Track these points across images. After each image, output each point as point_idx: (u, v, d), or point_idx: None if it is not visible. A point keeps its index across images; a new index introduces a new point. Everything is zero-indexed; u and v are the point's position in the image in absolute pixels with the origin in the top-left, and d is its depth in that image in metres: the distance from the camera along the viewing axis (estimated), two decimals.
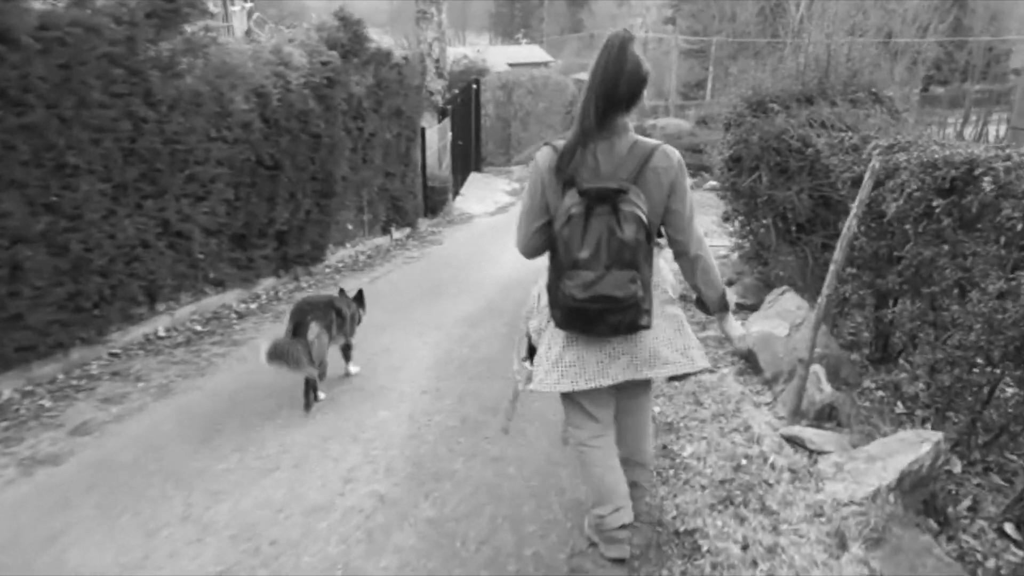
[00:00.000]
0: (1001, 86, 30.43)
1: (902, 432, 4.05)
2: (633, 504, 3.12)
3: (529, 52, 38.21)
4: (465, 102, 16.76)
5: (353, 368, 5.49)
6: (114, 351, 5.84)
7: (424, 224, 12.58)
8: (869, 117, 6.59)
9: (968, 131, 21.29)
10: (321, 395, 4.98)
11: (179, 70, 5.96)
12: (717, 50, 39.18)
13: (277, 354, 4.57)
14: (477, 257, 10.20)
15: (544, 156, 2.76)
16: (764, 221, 7.20)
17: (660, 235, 2.97)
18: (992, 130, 19.40)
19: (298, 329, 4.76)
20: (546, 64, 27.40)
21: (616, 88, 2.59)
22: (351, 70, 9.09)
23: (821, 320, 4.65)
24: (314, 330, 4.79)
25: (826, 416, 4.63)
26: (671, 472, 4.18)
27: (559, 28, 52.15)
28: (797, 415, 4.67)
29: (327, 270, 9.07)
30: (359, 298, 5.57)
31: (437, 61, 20.10)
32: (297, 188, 7.98)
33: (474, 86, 17.36)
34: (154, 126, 5.77)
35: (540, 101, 18.79)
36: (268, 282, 7.95)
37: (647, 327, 2.77)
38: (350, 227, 9.96)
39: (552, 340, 2.91)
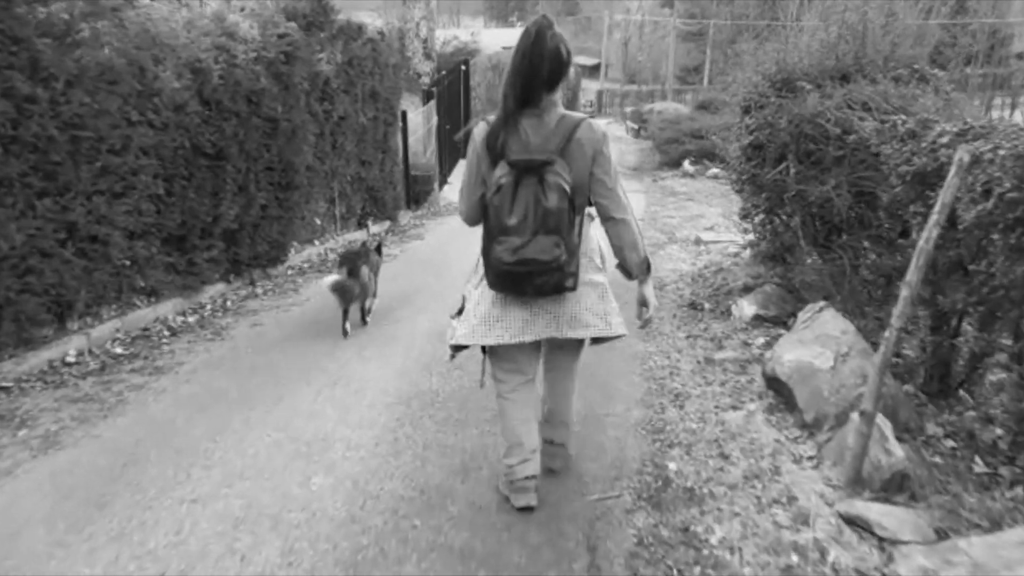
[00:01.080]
0: (1004, 70, 29.22)
1: (1021, 530, 2.91)
2: (552, 460, 3.54)
3: None
4: (453, 85, 15.55)
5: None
6: (3, 384, 4.69)
7: (406, 217, 11.41)
8: (919, 98, 5.43)
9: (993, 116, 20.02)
10: (368, 319, 6.27)
11: (79, 38, 4.77)
12: (715, 33, 37.92)
13: (339, 287, 5.75)
14: (459, 255, 9.03)
15: (479, 131, 2.90)
16: (791, 220, 6.04)
17: (591, 205, 3.04)
18: (1019, 114, 18.19)
19: (352, 272, 5.83)
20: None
21: (538, 70, 2.74)
22: (315, 45, 7.89)
23: (888, 361, 3.51)
24: (364, 272, 5.98)
25: (896, 486, 3.49)
26: (696, 570, 3.05)
27: (554, 11, 50.79)
28: (857, 484, 3.53)
29: (290, 272, 7.91)
30: (378, 248, 6.82)
31: (425, 42, 18.89)
32: (249, 180, 6.81)
33: (463, 67, 16.14)
34: (45, 107, 4.57)
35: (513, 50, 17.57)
36: (215, 289, 6.79)
37: (572, 289, 2.94)
38: (319, 222, 8.80)
39: (481, 297, 3.14)
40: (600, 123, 2.99)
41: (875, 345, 4.87)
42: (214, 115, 6.17)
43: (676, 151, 16.96)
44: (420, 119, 12.85)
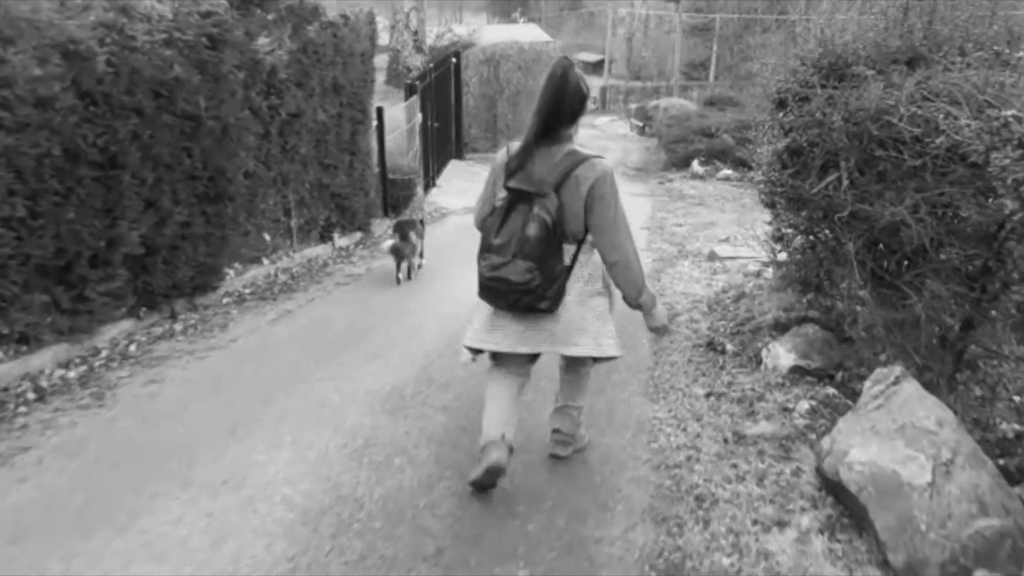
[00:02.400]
0: None
1: None
2: (560, 448, 3.73)
3: (527, 32, 35.45)
4: (442, 79, 14.09)
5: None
6: None
7: (383, 226, 9.96)
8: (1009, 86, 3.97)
9: None
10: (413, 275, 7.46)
11: None
12: (722, 28, 36.41)
13: (395, 249, 7.13)
14: (435, 275, 7.61)
15: (501, 154, 3.23)
16: (841, 246, 4.59)
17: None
18: None
19: (405, 236, 7.12)
20: (546, 44, 24.67)
21: (560, 107, 3.00)
22: (255, 27, 6.46)
23: None
24: (414, 237, 7.22)
25: None
26: None
27: (558, 7, 49.28)
28: None
29: (226, 300, 6.48)
30: (421, 221, 7.83)
31: (415, 34, 17.45)
32: (161, 192, 5.38)
33: (453, 60, 14.66)
34: None
35: (531, 78, 16.07)
36: (119, 328, 5.36)
37: (547, 311, 3.09)
38: (268, 237, 7.37)
39: (484, 306, 3.31)
40: (604, 162, 3.11)
41: (986, 445, 3.44)
42: (101, 112, 4.74)
43: (684, 150, 15.47)
44: (402, 116, 11.42)
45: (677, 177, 14.96)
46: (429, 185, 12.79)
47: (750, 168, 13.88)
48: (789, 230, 5.29)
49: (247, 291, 6.76)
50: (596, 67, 42.45)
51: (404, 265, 7.29)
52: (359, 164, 8.82)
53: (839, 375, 4.77)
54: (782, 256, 5.78)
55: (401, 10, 17.01)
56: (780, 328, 5.49)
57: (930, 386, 3.63)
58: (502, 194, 3.06)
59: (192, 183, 5.73)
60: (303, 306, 6.47)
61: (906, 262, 4.22)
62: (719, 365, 5.25)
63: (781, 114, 4.98)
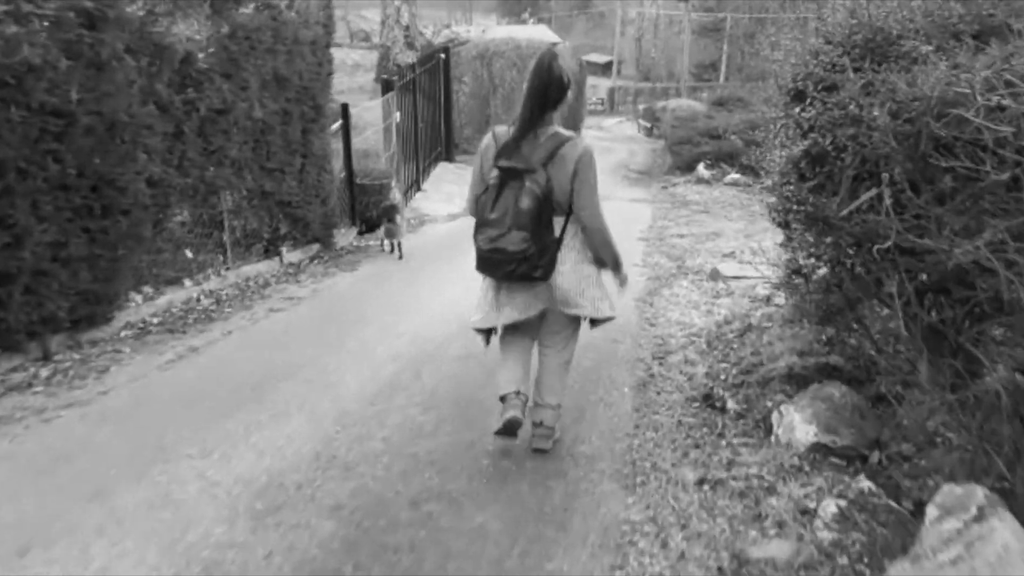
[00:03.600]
0: None
1: None
2: (541, 441, 3.66)
3: (536, 32, 34.15)
4: (430, 75, 12.86)
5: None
6: None
7: (348, 236, 8.74)
8: None
9: None
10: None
11: None
12: (732, 27, 35.04)
13: (389, 232, 8.05)
14: (393, 299, 6.38)
15: (487, 138, 3.36)
16: (882, 288, 3.31)
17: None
18: None
19: (392, 219, 8.00)
20: (554, 45, 23.32)
21: (546, 94, 3.18)
22: (161, 5, 5.25)
23: None
24: (398, 220, 8.01)
25: None
26: None
27: (568, 7, 47.98)
28: None
29: (125, 333, 5.28)
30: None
31: (406, 29, 16.20)
32: (10, 206, 4.19)
33: (441, 56, 13.41)
34: None
35: (527, 76, 14.81)
36: None
37: (541, 279, 3.28)
38: (190, 254, 6.15)
39: (489, 286, 3.52)
40: (585, 142, 3.29)
41: None
42: None
43: (690, 153, 14.16)
44: (378, 114, 10.21)
45: (681, 181, 13.65)
46: (412, 189, 11.57)
47: (759, 173, 12.56)
48: (809, 260, 4.01)
49: (155, 321, 5.55)
50: (605, 68, 41.34)
51: (395, 243, 8.00)
52: (313, 168, 7.59)
53: (875, 456, 3.52)
54: (799, 285, 4.52)
55: (391, 4, 15.78)
56: (795, 381, 4.23)
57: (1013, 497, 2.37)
58: (494, 173, 3.22)
59: (64, 194, 4.53)
60: (216, 341, 5.25)
61: (975, 311, 2.95)
62: (717, 430, 3.99)
63: (798, 109, 3.73)
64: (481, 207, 3.24)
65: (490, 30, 32.23)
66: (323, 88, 7.57)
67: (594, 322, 3.65)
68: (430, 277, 7.15)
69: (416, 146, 11.81)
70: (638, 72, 40.95)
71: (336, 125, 8.59)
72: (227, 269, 6.64)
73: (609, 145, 18.76)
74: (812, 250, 3.81)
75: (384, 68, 15.60)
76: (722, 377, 4.67)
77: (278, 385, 4.43)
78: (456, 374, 4.69)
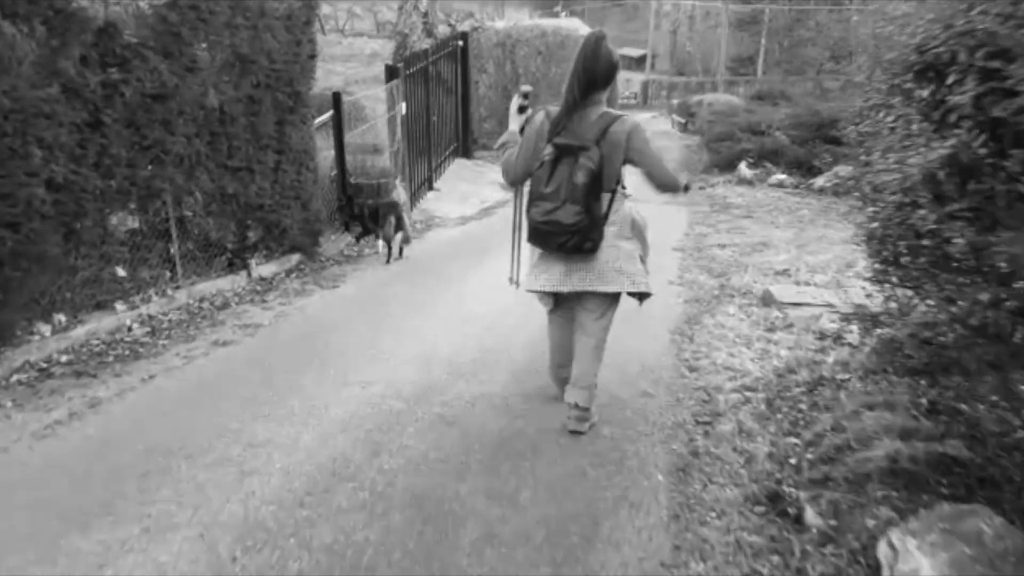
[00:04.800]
0: None
1: None
2: (578, 424, 3.70)
3: (569, 25, 32.72)
4: (446, 64, 11.57)
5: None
6: None
7: (337, 244, 7.49)
8: None
9: None
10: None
11: None
12: (771, 20, 33.35)
13: (385, 236, 7.00)
14: (371, 329, 5.12)
15: (540, 117, 3.36)
16: None
17: (623, 187, 3.48)
18: None
19: (391, 218, 7.00)
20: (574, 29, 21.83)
21: (595, 73, 3.22)
22: None
23: None
24: (392, 221, 6.99)
25: None
26: None
27: (601, 0, 46.47)
28: None
29: (16, 379, 4.07)
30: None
31: (425, 15, 14.89)
32: None
33: (459, 43, 12.10)
34: None
35: (554, 65, 13.45)
36: None
37: (591, 251, 3.37)
38: (122, 272, 4.93)
39: (532, 252, 3.63)
40: (632, 117, 3.37)
41: None
42: None
43: (729, 150, 12.71)
44: (382, 105, 8.96)
45: (721, 181, 12.21)
46: (423, 188, 10.30)
47: (810, 172, 11.05)
48: (939, 315, 2.67)
49: (64, 359, 4.34)
50: (639, 62, 39.98)
51: (392, 246, 7.07)
52: (290, 165, 6.34)
53: None
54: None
55: None
56: (902, 480, 2.91)
57: None
58: (548, 149, 3.26)
59: None
60: (128, 391, 4.02)
61: None
62: (794, 560, 2.67)
63: (927, 91, 2.40)
64: (536, 181, 3.30)
65: (520, 23, 30.81)
66: (303, 72, 6.31)
67: (640, 299, 3.67)
68: (423, 297, 5.88)
69: (428, 141, 10.53)
70: (672, 66, 39.47)
71: (325, 116, 7.34)
72: (176, 288, 5.42)
73: None
74: (952, 309, 2.46)
75: (401, 57, 14.32)
76: (793, 462, 3.35)
77: (177, 471, 3.18)
78: (426, 457, 3.39)
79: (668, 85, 35.70)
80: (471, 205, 10.32)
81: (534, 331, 5.08)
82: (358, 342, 4.85)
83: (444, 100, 11.52)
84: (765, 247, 8.14)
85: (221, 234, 5.81)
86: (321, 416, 3.73)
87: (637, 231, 3.65)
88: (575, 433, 3.69)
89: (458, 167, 12.11)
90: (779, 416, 3.86)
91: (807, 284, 6.36)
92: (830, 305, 5.59)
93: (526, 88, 3.65)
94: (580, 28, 16.11)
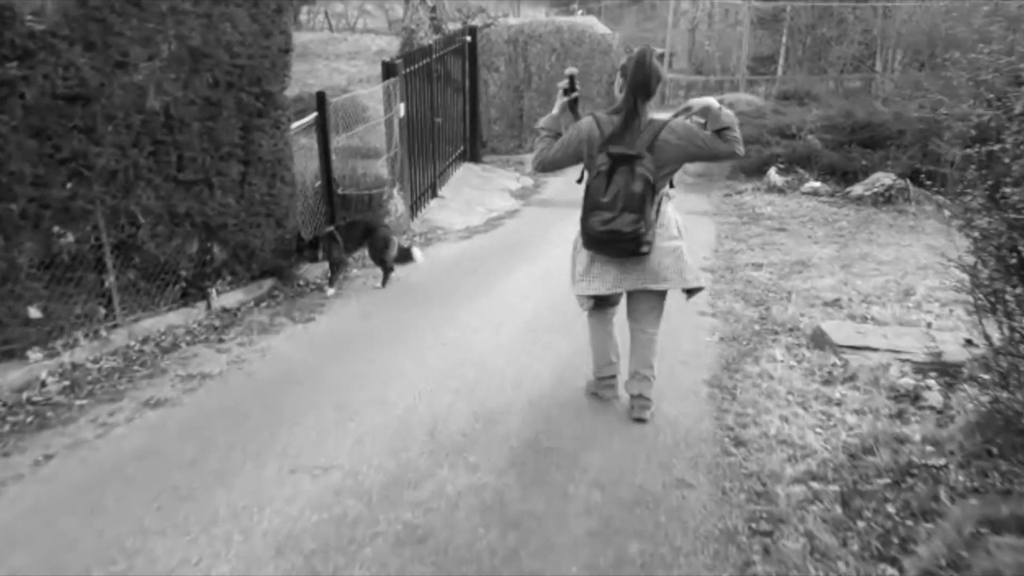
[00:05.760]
0: None
1: None
2: (640, 412, 3.78)
3: (585, 22, 31.61)
4: (452, 61, 10.58)
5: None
6: None
7: (323, 265, 6.51)
8: None
9: None
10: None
11: None
12: (793, 18, 32.15)
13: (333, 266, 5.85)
14: (346, 380, 4.13)
15: (588, 123, 3.46)
16: None
17: (672, 186, 3.64)
18: None
19: (325, 247, 5.75)
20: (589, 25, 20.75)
21: (648, 86, 3.36)
22: None
23: None
24: (394, 243, 5.98)
25: None
26: None
27: None
28: None
29: None
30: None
31: (433, 11, 13.94)
32: None
33: (467, 39, 11.10)
34: None
35: (570, 63, 12.43)
36: None
37: (646, 254, 3.47)
38: (35, 312, 3.97)
39: (584, 259, 3.65)
40: (677, 120, 3.44)
41: None
42: None
43: (758, 155, 11.62)
44: (379, 106, 7.98)
45: (748, 188, 11.13)
46: (424, 197, 9.32)
47: (845, 179, 9.94)
48: None
49: None
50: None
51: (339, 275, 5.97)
52: (260, 178, 5.37)
53: None
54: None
55: None
56: None
57: None
58: (602, 159, 3.34)
59: None
60: (5, 486, 3.06)
61: None
62: None
63: None
64: (594, 190, 3.38)
65: (534, 19, 29.73)
66: (274, 69, 5.33)
67: (689, 292, 3.74)
68: (408, 335, 4.90)
69: (433, 145, 9.55)
70: (690, 65, 38.38)
71: (307, 119, 6.37)
72: (113, 327, 4.47)
73: None
74: None
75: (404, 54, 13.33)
76: None
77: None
78: None
79: (686, 84, 34.59)
80: (477, 215, 9.33)
81: (541, 387, 4.09)
82: (321, 401, 3.87)
83: (450, 100, 10.52)
84: (805, 267, 7.10)
85: (174, 259, 4.85)
86: (251, 528, 2.75)
87: (680, 230, 3.72)
88: (639, 421, 3.77)
89: (465, 172, 11.12)
90: (861, 525, 2.85)
91: (864, 319, 5.32)
92: (899, 351, 4.57)
93: (571, 70, 3.69)
94: (596, 26, 15.10)
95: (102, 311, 4.42)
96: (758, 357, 4.73)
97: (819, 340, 4.91)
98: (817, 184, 10.60)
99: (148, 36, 4.17)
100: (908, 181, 10.13)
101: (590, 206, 3.41)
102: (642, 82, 3.34)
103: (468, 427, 3.62)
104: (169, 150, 4.54)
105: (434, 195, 9.78)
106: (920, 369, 4.31)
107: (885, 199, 9.98)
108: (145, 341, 4.56)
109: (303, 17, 30.04)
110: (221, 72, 4.79)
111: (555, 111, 3.62)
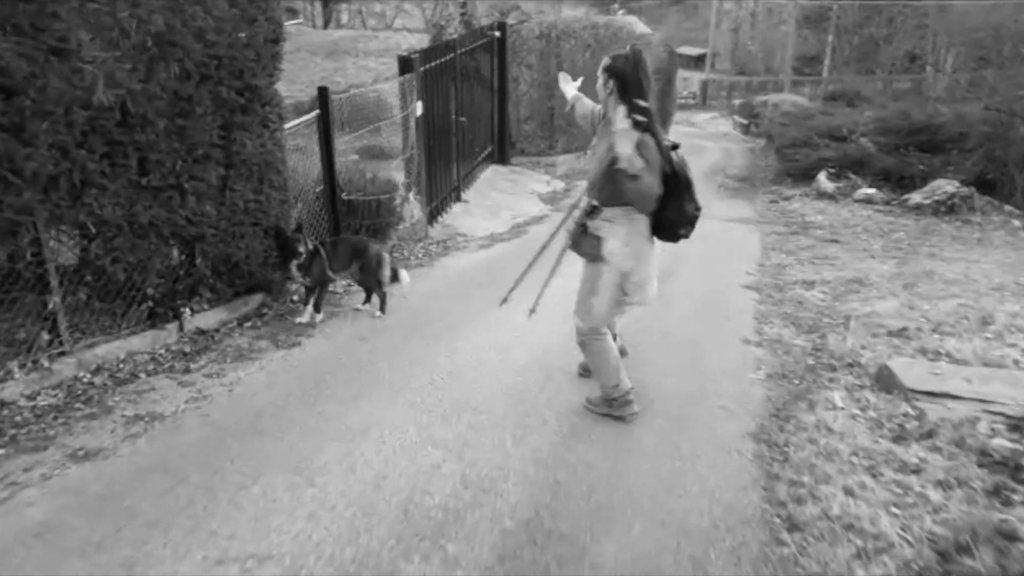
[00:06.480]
0: None
1: None
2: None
3: (623, 20, 30.71)
4: (479, 57, 9.86)
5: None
6: None
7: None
8: None
9: None
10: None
11: None
12: (840, 17, 30.93)
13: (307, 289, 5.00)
14: (305, 432, 3.42)
15: (651, 140, 3.23)
16: None
17: None
18: None
19: (300, 264, 4.78)
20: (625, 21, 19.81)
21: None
22: None
23: None
24: (387, 261, 5.11)
25: None
26: None
27: None
28: None
29: None
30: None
31: (463, 6, 13.25)
32: None
33: (495, 34, 10.35)
34: None
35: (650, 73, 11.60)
36: None
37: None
38: None
39: (641, 266, 3.47)
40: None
41: None
42: None
43: (807, 158, 10.70)
44: (394, 102, 7.30)
45: (796, 194, 10.22)
46: (447, 200, 8.63)
47: (901, 185, 8.95)
48: None
49: None
50: (698, 61, 38.06)
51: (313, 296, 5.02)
52: (244, 183, 4.70)
53: None
54: None
55: None
56: None
57: None
58: (672, 154, 3.32)
59: None
60: None
61: None
62: None
63: None
64: (685, 180, 3.33)
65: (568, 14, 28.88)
66: (260, 61, 4.64)
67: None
68: (397, 370, 4.19)
69: (456, 145, 8.84)
70: (733, 65, 37.42)
71: (306, 118, 5.70)
72: (60, 355, 3.82)
73: (700, 143, 15.37)
74: None
75: None
76: None
77: None
78: None
79: (729, 85, 33.74)
80: (501, 220, 8.60)
81: (548, 441, 3.34)
82: (278, 459, 3.17)
83: (477, 98, 9.80)
84: (862, 285, 6.24)
85: (138, 276, 4.20)
86: None
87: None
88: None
89: (492, 174, 10.39)
90: None
91: (938, 354, 4.47)
92: (987, 401, 3.73)
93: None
94: (635, 24, 14.26)
95: (45, 337, 3.77)
96: (813, 402, 3.93)
97: (886, 381, 4.08)
98: (871, 191, 9.67)
99: (95, 18, 3.50)
100: (973, 188, 9.17)
101: (686, 194, 3.37)
102: (648, 85, 3.31)
103: (453, 498, 2.89)
104: (128, 151, 3.88)
105: (458, 199, 9.08)
106: (1017, 426, 3.48)
107: (947, 208, 9.02)
108: (97, 371, 3.91)
109: (344, 17, 29.66)
110: (192, 63, 4.11)
111: (627, 150, 3.15)
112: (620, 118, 3.19)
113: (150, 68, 3.88)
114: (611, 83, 3.30)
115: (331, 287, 5.38)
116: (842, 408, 3.84)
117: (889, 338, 4.82)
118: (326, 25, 24.14)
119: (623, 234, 3.41)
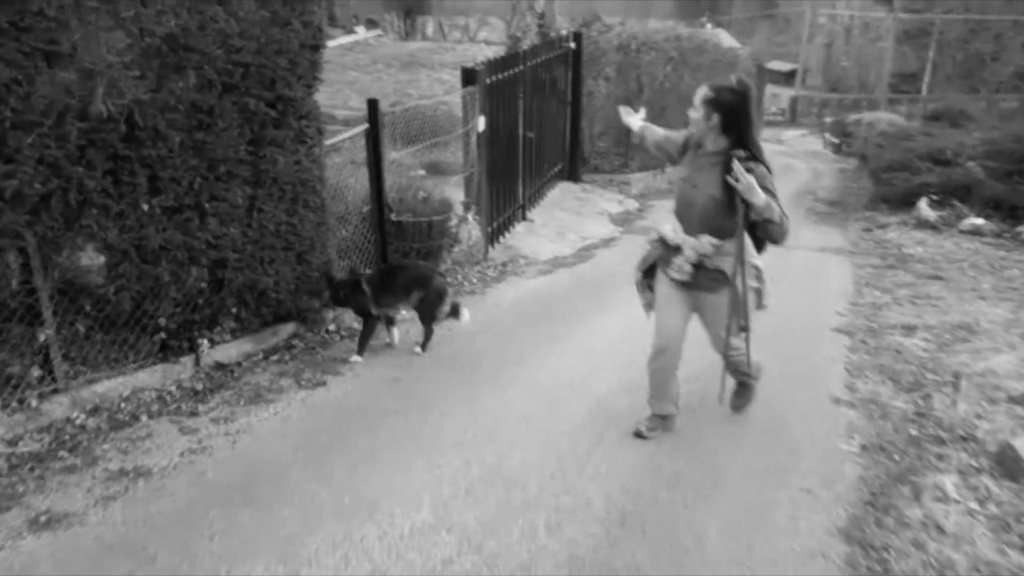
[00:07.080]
0: None
1: None
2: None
3: (709, 34, 29.78)
4: (552, 69, 9.30)
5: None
6: None
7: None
8: None
9: None
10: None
11: None
12: (942, 32, 29.29)
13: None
14: (307, 504, 2.89)
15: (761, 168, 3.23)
16: None
17: None
18: None
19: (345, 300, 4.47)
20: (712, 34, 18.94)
21: None
22: None
23: None
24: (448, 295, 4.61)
25: None
26: None
27: (751, 8, 43.08)
28: None
29: None
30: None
31: (541, 16, 12.71)
32: None
33: (571, 44, 9.77)
34: None
35: (688, 74, 10.88)
36: None
37: None
38: None
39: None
40: None
41: None
42: None
43: (905, 183, 9.72)
44: (457, 113, 6.81)
45: (893, 222, 9.28)
46: (512, 220, 8.10)
47: (1014, 216, 7.99)
48: None
49: None
50: (788, 76, 36.86)
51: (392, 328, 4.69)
52: (275, 204, 4.24)
53: None
54: None
55: None
56: None
57: None
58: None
59: None
60: None
61: None
62: None
63: None
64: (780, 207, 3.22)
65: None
66: (295, 69, 4.17)
67: None
68: (432, 423, 3.64)
69: (522, 162, 8.29)
70: (825, 82, 35.96)
71: (352, 132, 5.24)
72: (52, 392, 3.41)
73: (789, 162, 14.46)
74: None
75: None
76: None
77: None
78: None
79: (820, 102, 32.45)
80: (568, 243, 8.01)
81: (585, 532, 2.73)
82: (266, 538, 2.65)
83: (548, 112, 9.24)
84: (972, 333, 5.39)
85: (149, 305, 3.77)
86: None
87: None
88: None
89: (561, 192, 9.79)
90: None
91: None
92: None
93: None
94: (721, 36, 13.52)
95: (36, 373, 3.36)
96: (919, 488, 3.21)
97: (1011, 466, 3.32)
98: (979, 221, 8.66)
99: (95, 17, 3.08)
100: None
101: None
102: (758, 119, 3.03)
103: None
104: (135, 168, 3.46)
105: (523, 218, 8.53)
106: None
107: None
108: (94, 412, 3.49)
109: (429, 30, 29.65)
110: (214, 70, 3.68)
111: (759, 201, 3.04)
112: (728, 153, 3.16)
113: (161, 76, 3.45)
114: (715, 117, 3.16)
115: (397, 315, 4.86)
116: (956, 500, 3.11)
117: (1011, 405, 4.01)
118: (408, 37, 24.07)
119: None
